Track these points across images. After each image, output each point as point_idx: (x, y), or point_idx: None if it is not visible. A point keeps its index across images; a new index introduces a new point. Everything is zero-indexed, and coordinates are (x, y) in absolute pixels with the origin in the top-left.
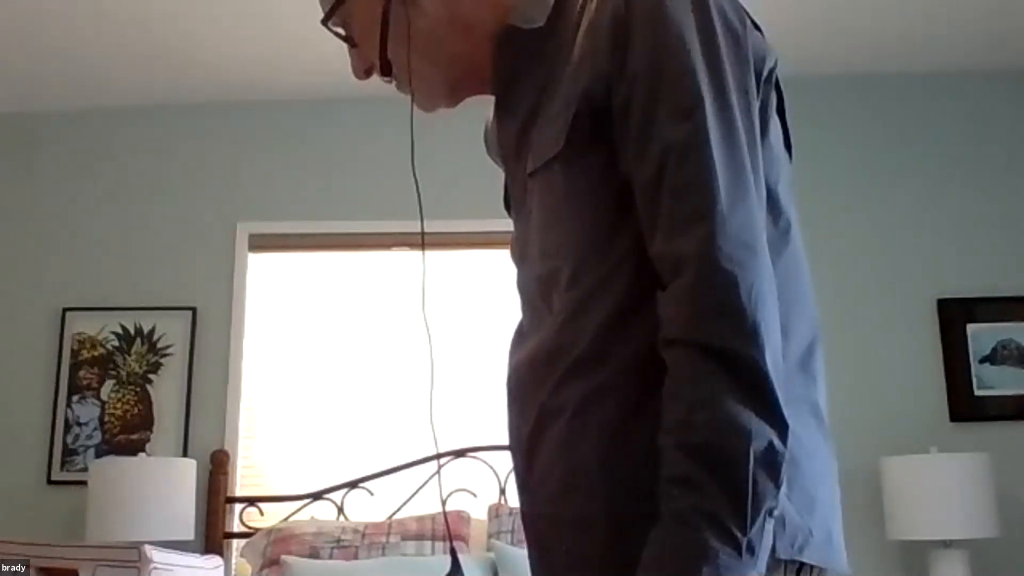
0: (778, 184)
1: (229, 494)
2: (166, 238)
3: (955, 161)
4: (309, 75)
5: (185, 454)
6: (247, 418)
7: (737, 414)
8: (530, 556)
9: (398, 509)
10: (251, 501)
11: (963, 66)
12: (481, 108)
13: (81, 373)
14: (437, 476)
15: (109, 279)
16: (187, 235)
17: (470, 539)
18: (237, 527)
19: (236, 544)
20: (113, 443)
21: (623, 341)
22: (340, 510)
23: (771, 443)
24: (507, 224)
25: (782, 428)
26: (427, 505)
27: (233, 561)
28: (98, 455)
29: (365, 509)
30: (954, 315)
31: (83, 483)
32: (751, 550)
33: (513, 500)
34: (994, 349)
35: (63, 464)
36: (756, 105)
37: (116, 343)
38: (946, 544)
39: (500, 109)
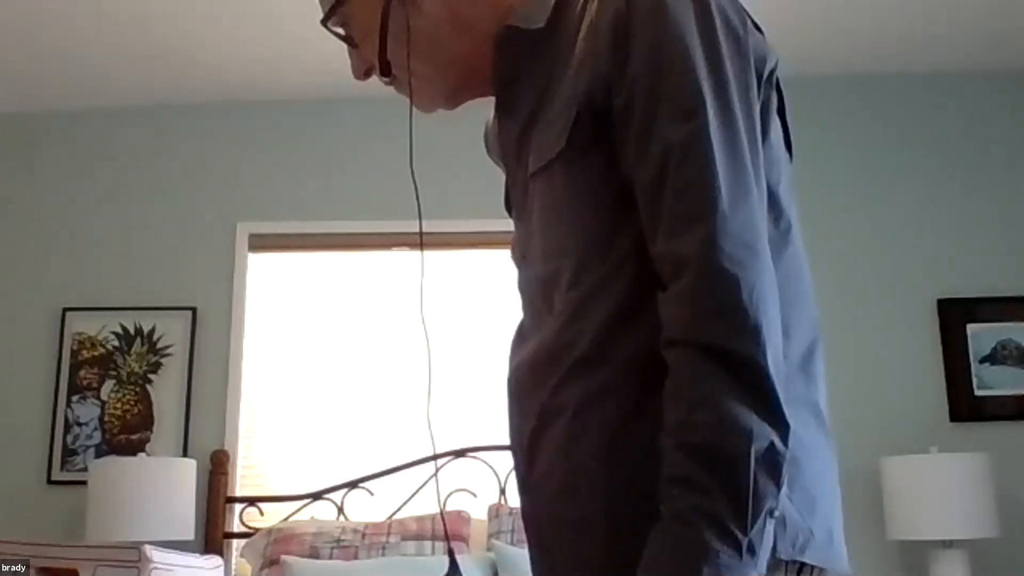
0: (779, 184)
1: (229, 494)
2: (166, 238)
3: (955, 161)
4: (309, 75)
5: (185, 454)
6: (247, 418)
7: (738, 414)
8: (531, 556)
9: (398, 509)
10: (251, 501)
11: (963, 66)
12: (481, 108)
13: (81, 373)
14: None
15: (109, 279)
16: (187, 235)
17: (470, 539)
18: (237, 527)
19: (236, 544)
20: (113, 443)
21: (624, 341)
22: (340, 510)
23: (772, 443)
24: (506, 224)
25: (783, 428)
26: (427, 505)
27: (233, 561)
28: (98, 455)
29: (365, 509)
30: (954, 315)
31: (83, 483)
32: (752, 550)
33: (513, 500)
34: (994, 349)
35: (63, 464)
36: (757, 106)
37: (116, 343)
38: (946, 544)
39: (500, 110)
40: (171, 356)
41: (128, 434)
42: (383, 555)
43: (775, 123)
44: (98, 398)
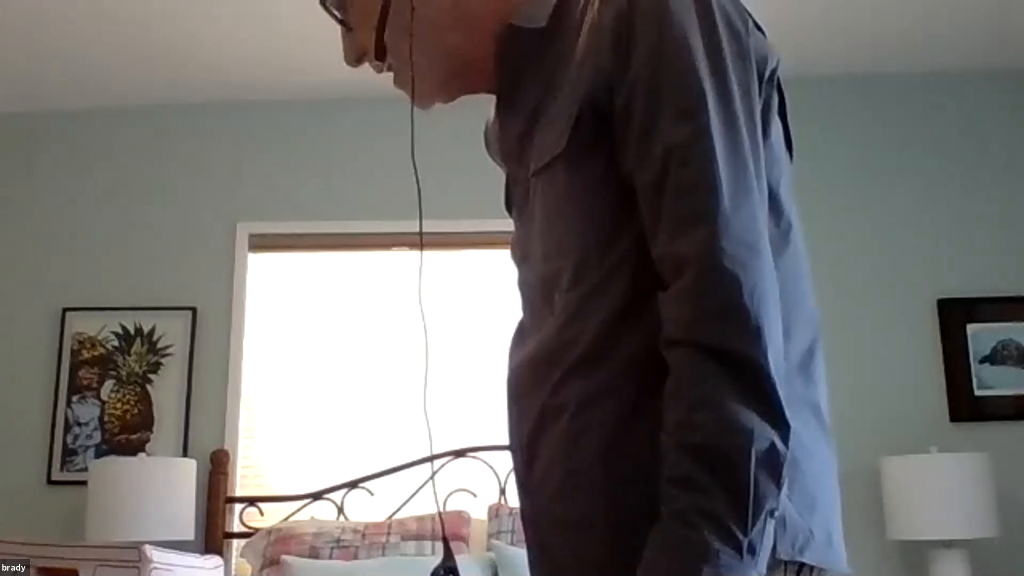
0: (779, 185)
1: (229, 494)
2: (166, 238)
3: (955, 161)
4: (309, 75)
5: (185, 454)
6: (247, 418)
7: (739, 414)
8: (529, 557)
9: (398, 509)
10: (251, 501)
11: (963, 66)
12: (479, 107)
13: (81, 373)
14: (432, 478)
15: (109, 279)
16: (187, 235)
17: (470, 539)
18: (237, 527)
19: (236, 544)
20: (113, 443)
21: (624, 341)
22: (340, 510)
23: (772, 444)
24: (506, 224)
25: (784, 429)
26: (427, 505)
27: (233, 561)
28: (98, 455)
29: (365, 509)
30: (954, 315)
31: (83, 483)
32: (752, 551)
33: (513, 500)
34: (994, 349)
35: (63, 464)
36: (759, 106)
37: (116, 343)
38: (946, 544)
39: (502, 109)
40: (171, 356)
41: (128, 434)
42: (383, 555)
43: (776, 123)
44: (98, 398)
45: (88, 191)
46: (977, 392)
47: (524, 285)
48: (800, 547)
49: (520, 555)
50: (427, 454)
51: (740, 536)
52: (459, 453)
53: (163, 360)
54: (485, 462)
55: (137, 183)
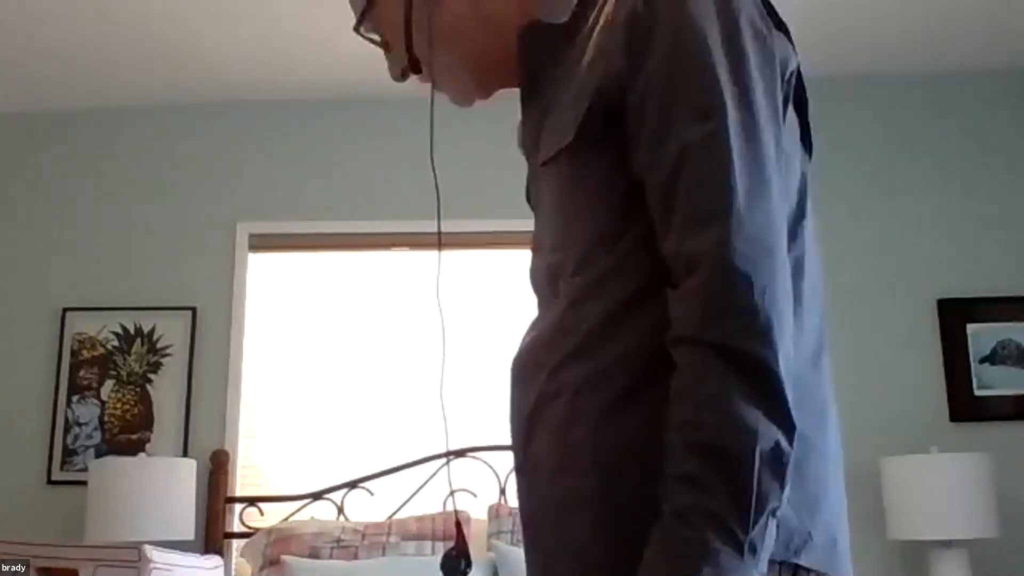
0: (792, 183)
1: (229, 494)
2: (166, 238)
3: (955, 161)
4: (309, 75)
5: (185, 454)
6: (247, 418)
7: (745, 414)
8: (524, 538)
9: (398, 509)
10: (251, 501)
11: (963, 66)
12: (492, 110)
13: (81, 373)
14: (447, 463)
15: (109, 279)
16: (187, 235)
17: (470, 539)
18: (237, 527)
19: (236, 544)
20: (113, 443)
21: (622, 332)
22: (340, 510)
23: (777, 443)
24: (508, 224)
25: (789, 429)
26: (427, 505)
27: (233, 561)
28: (98, 455)
29: (365, 509)
30: (954, 315)
31: (83, 483)
32: (753, 550)
33: (513, 500)
34: (994, 349)
35: (63, 464)
36: (781, 107)
37: (116, 343)
38: (946, 544)
39: (525, 103)
40: (171, 356)
41: (128, 434)
42: (383, 555)
43: (790, 123)
44: (98, 398)
45: (88, 191)
46: (977, 392)
47: (534, 274)
48: (795, 549)
49: (520, 555)
50: (426, 454)
51: (741, 536)
52: (459, 453)
53: (163, 360)
54: (485, 462)
55: (137, 183)
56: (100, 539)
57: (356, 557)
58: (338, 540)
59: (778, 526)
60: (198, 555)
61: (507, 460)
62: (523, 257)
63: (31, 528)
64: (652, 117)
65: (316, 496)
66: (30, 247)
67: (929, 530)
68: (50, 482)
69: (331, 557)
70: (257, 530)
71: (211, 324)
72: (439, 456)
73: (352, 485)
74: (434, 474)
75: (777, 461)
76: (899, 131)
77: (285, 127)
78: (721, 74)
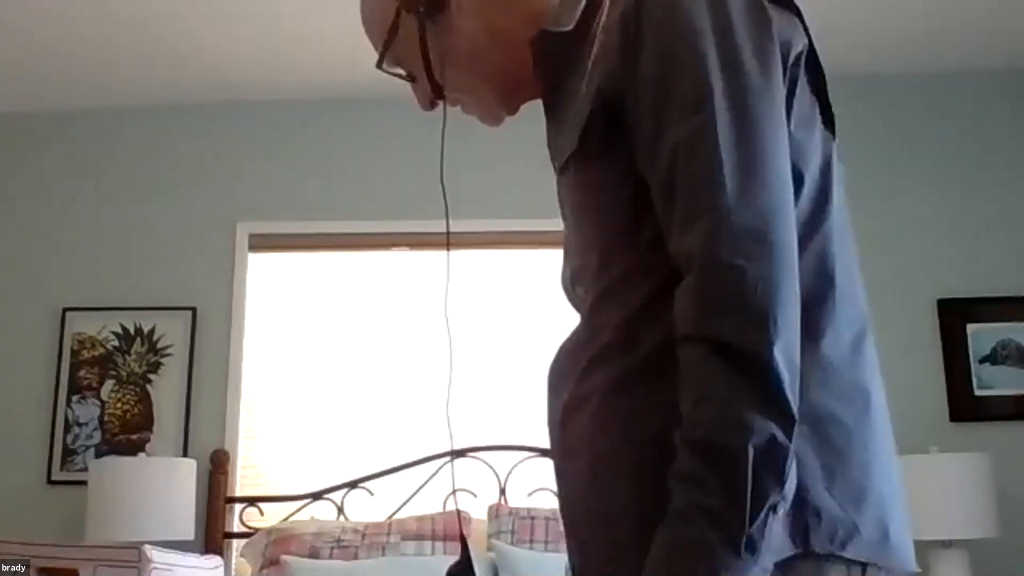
0: (807, 167)
1: (229, 494)
2: (166, 238)
3: (955, 161)
4: (309, 75)
5: (185, 454)
6: (247, 418)
7: (738, 408)
8: (567, 541)
9: (398, 509)
10: (251, 501)
11: (963, 66)
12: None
13: (81, 373)
14: (450, 467)
15: (109, 279)
16: (187, 235)
17: (470, 539)
18: (237, 527)
19: (236, 544)
20: (113, 443)
21: (645, 333)
22: (340, 510)
23: (773, 437)
24: (510, 224)
25: (787, 422)
26: (427, 505)
27: (233, 561)
28: (98, 455)
29: (365, 509)
30: (954, 315)
31: (83, 483)
32: (751, 547)
33: (513, 500)
34: (994, 349)
35: (63, 464)
36: (781, 90)
37: (116, 343)
38: (946, 544)
39: (547, 113)
40: (171, 356)
41: (128, 434)
42: (383, 555)
43: (803, 105)
44: (98, 398)
45: (88, 191)
46: (977, 392)
47: (563, 280)
48: (841, 541)
49: (520, 555)
50: (426, 454)
51: (737, 532)
52: (459, 453)
53: (163, 360)
54: (485, 462)
55: (137, 183)
56: (100, 539)
57: (356, 557)
58: (338, 540)
59: (820, 517)
60: (198, 555)
61: (507, 460)
62: (524, 257)
63: (31, 528)
64: (647, 116)
65: (316, 496)
66: (30, 247)
67: (929, 530)
68: (50, 482)
69: (331, 557)
70: (257, 530)
71: (211, 324)
72: (440, 456)
73: (352, 485)
74: (434, 474)
75: (774, 456)
76: (899, 131)
77: (285, 127)
78: (711, 65)
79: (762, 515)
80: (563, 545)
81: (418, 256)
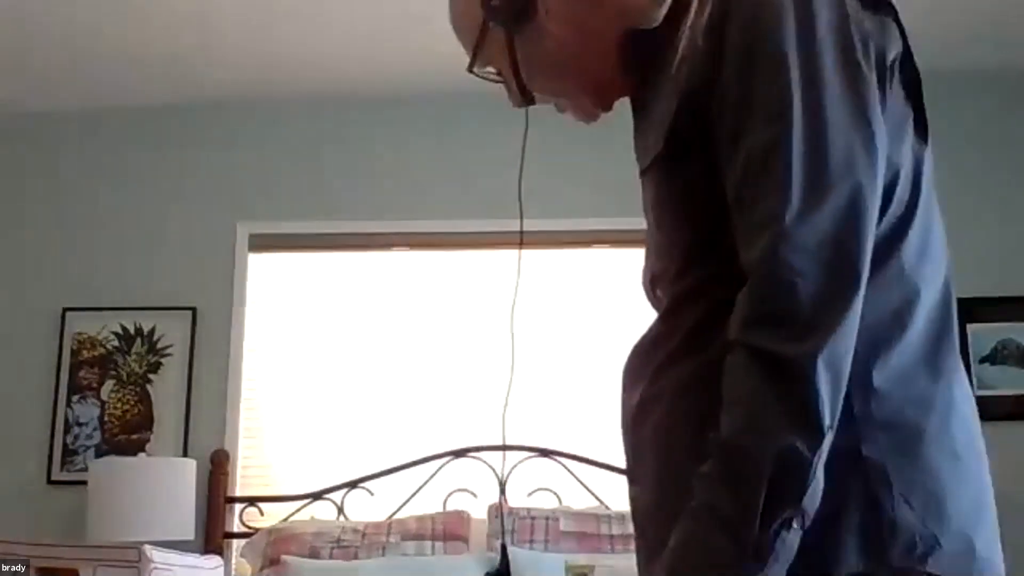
0: (895, 177)
1: (229, 494)
2: (166, 238)
3: (955, 161)
4: (309, 75)
5: (185, 454)
6: (247, 418)
7: (765, 415)
8: (635, 540)
9: (398, 509)
10: (251, 501)
11: (963, 66)
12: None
13: (81, 373)
14: (503, 464)
15: (109, 279)
16: (187, 235)
17: (470, 539)
18: (237, 527)
19: (236, 544)
20: (113, 443)
21: (715, 337)
22: (340, 510)
23: (794, 448)
24: (510, 224)
25: (814, 436)
26: (427, 505)
27: (233, 561)
28: (98, 455)
29: (365, 509)
30: None
31: (83, 483)
32: (758, 555)
33: (513, 500)
34: (994, 349)
35: (63, 464)
36: (867, 102)
37: (116, 343)
38: None
39: (635, 112)
40: (171, 356)
41: (128, 434)
42: (383, 555)
43: (891, 115)
44: (98, 398)
45: (88, 191)
46: (977, 392)
47: (643, 280)
48: (920, 555)
49: (520, 555)
50: (425, 454)
51: (744, 538)
52: (459, 453)
53: (163, 360)
54: (485, 462)
55: (137, 183)
56: (100, 539)
57: (356, 557)
58: (338, 540)
59: (895, 530)
60: (198, 555)
61: (507, 460)
62: (525, 257)
63: (31, 528)
64: (728, 123)
65: (316, 496)
66: (30, 247)
67: None
68: (50, 482)
69: (331, 557)
70: (257, 530)
71: (211, 324)
72: (444, 455)
73: (352, 485)
74: (434, 474)
75: (794, 466)
76: None
77: (285, 127)
78: (792, 76)
79: (776, 525)
80: (562, 545)
81: (418, 256)
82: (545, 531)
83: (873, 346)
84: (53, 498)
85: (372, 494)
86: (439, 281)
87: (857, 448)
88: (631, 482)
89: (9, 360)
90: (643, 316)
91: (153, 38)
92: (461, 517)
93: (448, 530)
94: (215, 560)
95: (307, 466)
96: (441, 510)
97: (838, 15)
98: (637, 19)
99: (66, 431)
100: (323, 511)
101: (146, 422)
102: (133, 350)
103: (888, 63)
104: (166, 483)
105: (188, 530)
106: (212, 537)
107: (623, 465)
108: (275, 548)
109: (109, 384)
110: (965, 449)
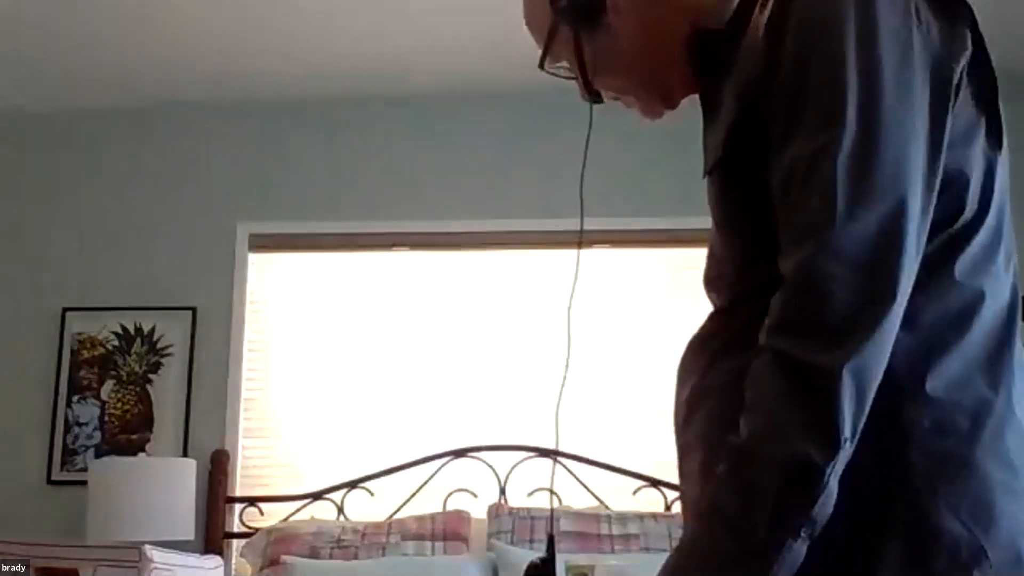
0: (963, 184)
1: (229, 494)
2: (166, 238)
3: None
4: (309, 75)
5: (185, 454)
6: (247, 418)
7: (780, 422)
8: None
9: (398, 509)
10: (251, 501)
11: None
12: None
13: (81, 373)
14: (552, 469)
15: (109, 279)
16: (187, 235)
17: (470, 539)
18: (237, 527)
19: (236, 544)
20: (113, 443)
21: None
22: (340, 510)
23: (808, 457)
24: (512, 224)
25: (830, 446)
26: (427, 505)
27: (233, 561)
28: (98, 455)
29: (365, 509)
30: None
31: (83, 483)
32: (762, 560)
33: (513, 500)
34: None
35: (63, 464)
36: (924, 111)
37: (116, 343)
38: None
39: (703, 110)
40: (171, 356)
41: (128, 434)
42: (383, 555)
43: (959, 121)
44: (98, 398)
45: (88, 191)
46: None
47: (705, 279)
48: (964, 564)
49: (520, 555)
50: (425, 454)
51: (749, 542)
52: (459, 453)
53: (163, 360)
54: (485, 462)
55: (137, 183)
56: (100, 539)
57: (356, 557)
58: (338, 540)
59: (939, 538)
60: (198, 555)
61: (507, 460)
62: (525, 257)
63: (31, 528)
64: (779, 130)
65: (316, 496)
66: (30, 247)
67: None
68: (50, 482)
69: (331, 557)
70: (257, 530)
71: (211, 324)
72: (444, 455)
73: (352, 485)
74: (434, 474)
75: (806, 476)
76: None
77: (285, 127)
78: (848, 83)
79: (782, 533)
80: (562, 545)
81: (418, 256)
82: (545, 531)
83: (928, 351)
84: (53, 498)
85: (372, 494)
86: (439, 281)
87: (904, 453)
88: (680, 478)
89: (9, 360)
90: (642, 316)
91: (153, 38)
92: (461, 517)
93: (448, 530)
94: (215, 560)
95: (307, 466)
96: (441, 510)
97: (902, 21)
98: (704, 17)
99: (66, 431)
100: (323, 511)
101: (146, 422)
102: (133, 350)
103: (956, 71)
104: (166, 483)
105: (188, 530)
106: (212, 537)
107: (623, 465)
108: (275, 548)
109: (109, 384)
110: (1020, 459)
